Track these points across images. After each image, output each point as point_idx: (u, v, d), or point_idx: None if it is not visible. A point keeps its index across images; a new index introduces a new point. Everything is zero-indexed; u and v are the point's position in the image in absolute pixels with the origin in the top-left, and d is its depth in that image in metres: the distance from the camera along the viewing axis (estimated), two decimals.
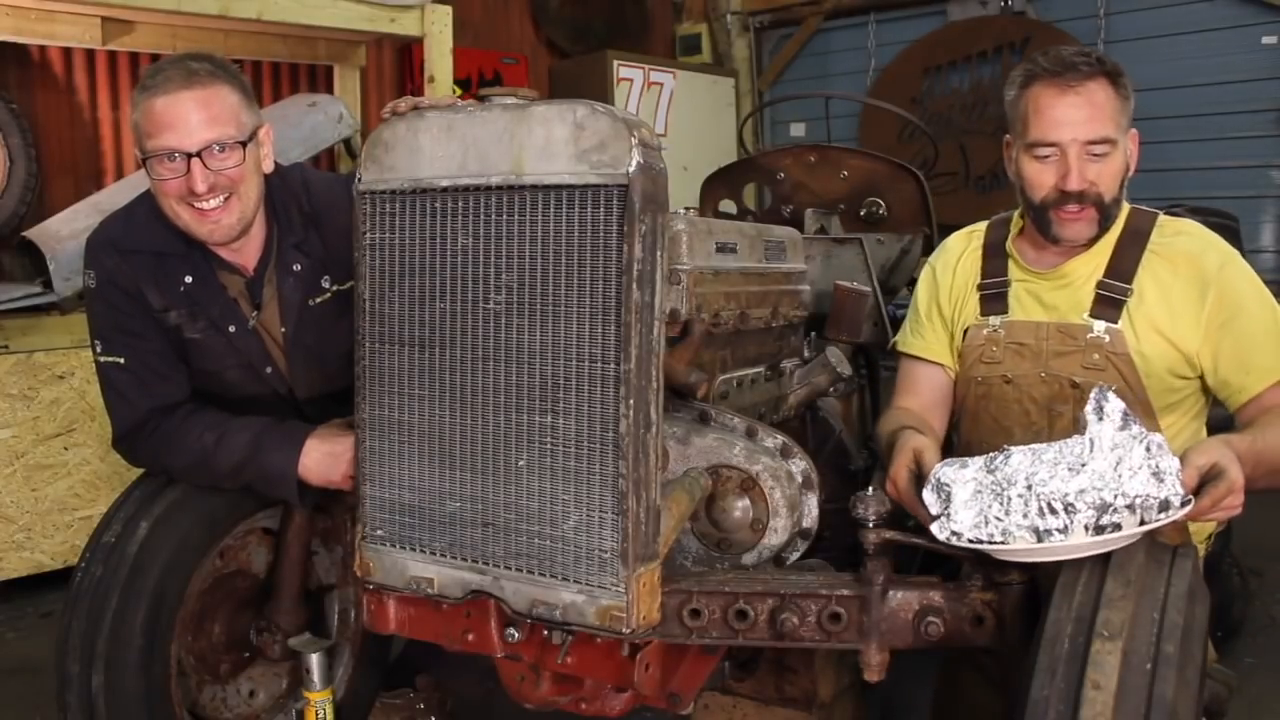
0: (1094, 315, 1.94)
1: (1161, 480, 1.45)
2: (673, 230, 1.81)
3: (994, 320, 2.05)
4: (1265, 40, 5.28)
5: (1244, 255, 2.66)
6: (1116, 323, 1.92)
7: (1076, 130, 1.86)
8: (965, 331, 2.10)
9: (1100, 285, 1.95)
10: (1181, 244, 1.95)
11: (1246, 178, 5.31)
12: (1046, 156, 1.90)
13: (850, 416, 2.71)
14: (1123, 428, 1.48)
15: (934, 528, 1.56)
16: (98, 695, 1.95)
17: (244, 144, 1.93)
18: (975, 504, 1.53)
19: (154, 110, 1.88)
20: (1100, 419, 1.49)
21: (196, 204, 1.92)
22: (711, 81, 7.00)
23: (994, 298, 2.07)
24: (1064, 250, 1.98)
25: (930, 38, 6.37)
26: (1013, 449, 1.54)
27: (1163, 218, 2.00)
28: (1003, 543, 1.50)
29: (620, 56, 6.45)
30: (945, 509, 1.55)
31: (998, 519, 1.50)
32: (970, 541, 1.52)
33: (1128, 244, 1.96)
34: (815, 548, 1.86)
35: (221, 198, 1.93)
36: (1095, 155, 1.88)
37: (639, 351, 1.46)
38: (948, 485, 1.56)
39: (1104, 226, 1.94)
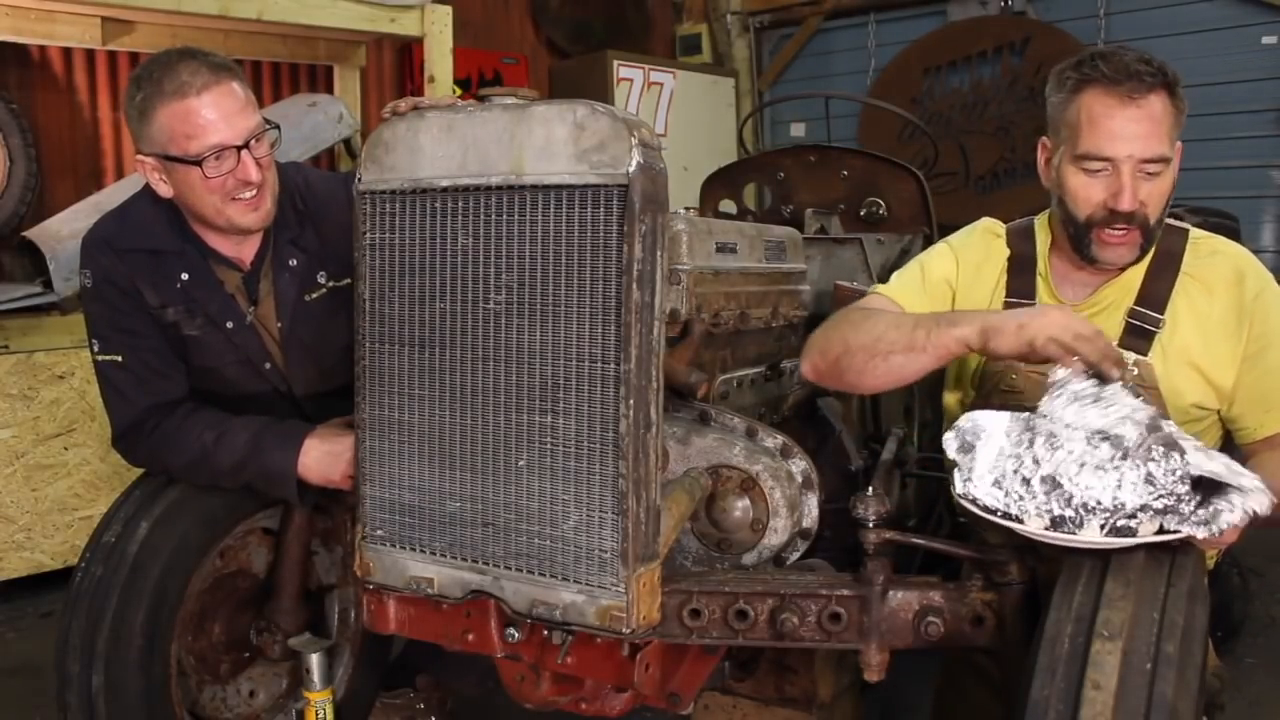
0: (1122, 345, 1.82)
1: (1180, 495, 1.38)
2: (673, 230, 1.81)
3: None
4: (1265, 40, 5.28)
5: None
6: (1146, 354, 1.83)
7: (1133, 146, 1.74)
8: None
9: (1131, 314, 1.85)
10: (1218, 266, 1.84)
11: (1246, 178, 5.31)
12: (1097, 171, 1.77)
13: (850, 416, 2.71)
14: (1151, 430, 1.41)
15: (956, 481, 1.49)
16: (98, 695, 1.95)
17: (276, 127, 1.98)
18: (997, 468, 1.47)
19: (191, 110, 1.86)
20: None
21: (242, 196, 1.94)
22: (711, 81, 6.99)
23: None
24: (1096, 273, 1.88)
25: (930, 38, 6.36)
26: (1039, 422, 1.47)
27: (1194, 234, 1.89)
28: (1018, 520, 1.45)
29: (620, 56, 6.45)
30: (969, 464, 1.49)
31: (1019, 497, 1.45)
32: (984, 509, 1.47)
33: (1160, 268, 1.85)
34: (815, 548, 1.86)
35: (258, 185, 1.96)
36: (1149, 174, 1.76)
37: (639, 351, 1.46)
38: (973, 440, 1.49)
39: (1145, 249, 1.83)
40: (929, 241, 3.07)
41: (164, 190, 1.97)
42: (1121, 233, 1.79)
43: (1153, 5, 5.60)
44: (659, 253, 1.49)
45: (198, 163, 1.88)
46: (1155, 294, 1.84)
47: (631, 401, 1.46)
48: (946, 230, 2.38)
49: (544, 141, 1.50)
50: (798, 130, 6.82)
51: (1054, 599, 1.40)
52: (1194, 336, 1.83)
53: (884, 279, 2.90)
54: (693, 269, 1.86)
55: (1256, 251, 5.20)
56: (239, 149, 1.90)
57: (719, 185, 3.49)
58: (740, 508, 1.77)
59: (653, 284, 1.48)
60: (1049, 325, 1.58)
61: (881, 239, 3.04)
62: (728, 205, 3.51)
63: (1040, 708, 1.26)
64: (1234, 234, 3.30)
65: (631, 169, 1.44)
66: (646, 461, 1.49)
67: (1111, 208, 1.77)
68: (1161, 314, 1.83)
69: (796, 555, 1.83)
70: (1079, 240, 1.84)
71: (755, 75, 7.15)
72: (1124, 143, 1.74)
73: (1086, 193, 1.79)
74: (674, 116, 6.70)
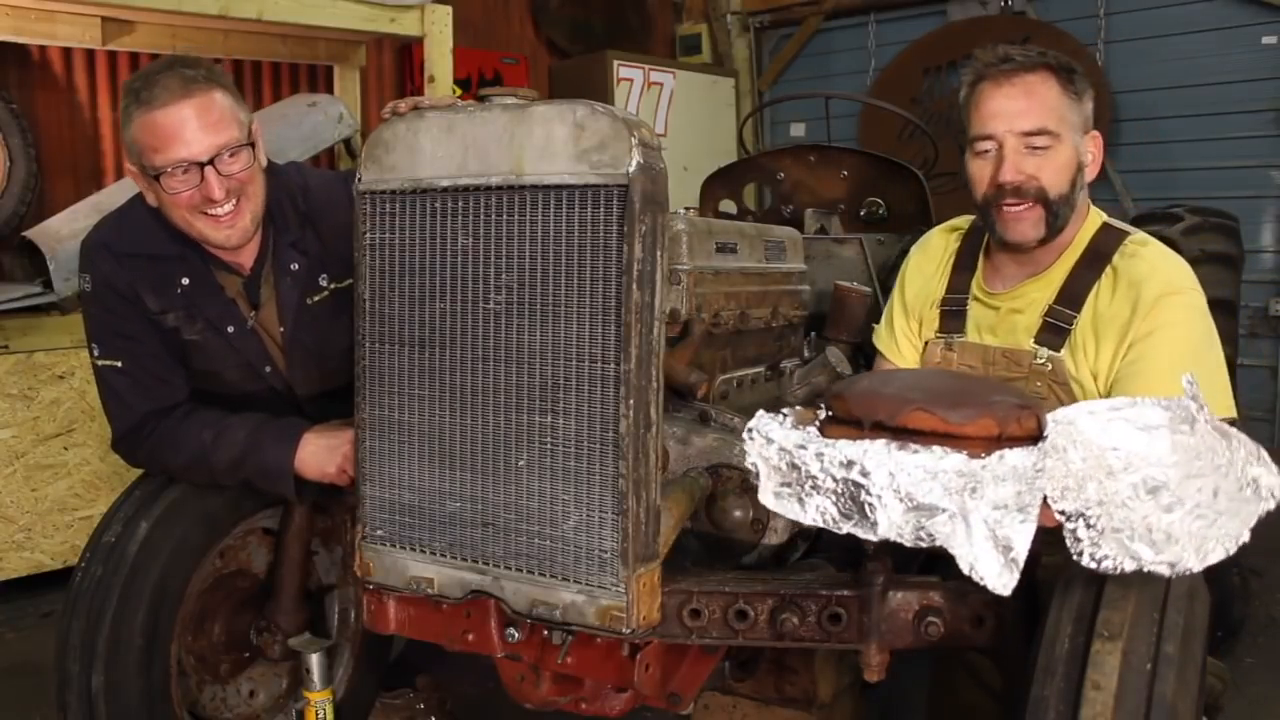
0: (1039, 341, 1.90)
1: None
2: (673, 230, 1.81)
3: (948, 339, 2.04)
4: (1265, 40, 5.27)
5: (1244, 256, 2.59)
6: (1059, 350, 1.88)
7: (1012, 121, 1.83)
8: (925, 344, 2.09)
9: (1049, 312, 1.90)
10: (1135, 266, 1.86)
11: (1246, 178, 5.30)
12: (985, 151, 1.87)
13: None
14: None
15: None
16: (98, 695, 1.95)
17: (251, 145, 1.95)
18: None
19: (156, 124, 1.85)
20: None
21: (211, 211, 1.91)
22: (711, 81, 6.99)
23: (953, 314, 2.05)
24: (1024, 265, 1.95)
25: (930, 38, 6.36)
26: None
27: (1132, 238, 1.92)
28: None
29: (620, 56, 6.44)
30: None
31: None
32: None
33: (1084, 268, 1.90)
34: (815, 548, 1.86)
35: (233, 202, 1.93)
36: (1035, 148, 1.83)
37: (639, 351, 1.46)
38: None
39: (1052, 226, 1.87)
40: None
41: (150, 199, 1.97)
42: (1018, 207, 1.86)
43: (1153, 5, 5.59)
44: (659, 253, 1.49)
45: (157, 176, 1.87)
46: (1075, 292, 1.90)
47: (631, 401, 1.46)
48: None
49: (544, 141, 1.50)
50: (798, 130, 6.81)
51: (1054, 599, 1.40)
52: (1088, 332, 1.88)
53: (884, 279, 2.92)
54: (693, 269, 1.86)
55: (1256, 251, 5.19)
56: (203, 165, 1.87)
57: (719, 185, 3.49)
58: (740, 508, 1.77)
59: (653, 284, 1.48)
60: None
61: (881, 239, 3.04)
62: (728, 205, 3.51)
63: (1040, 708, 1.27)
64: (1234, 234, 3.29)
65: (631, 169, 1.44)
66: (646, 461, 1.49)
67: (998, 182, 1.85)
68: (1077, 312, 1.89)
69: (796, 555, 1.83)
70: (986, 222, 1.93)
71: (755, 75, 7.14)
72: (1003, 119, 1.84)
73: (980, 174, 1.89)
74: (674, 116, 6.70)
